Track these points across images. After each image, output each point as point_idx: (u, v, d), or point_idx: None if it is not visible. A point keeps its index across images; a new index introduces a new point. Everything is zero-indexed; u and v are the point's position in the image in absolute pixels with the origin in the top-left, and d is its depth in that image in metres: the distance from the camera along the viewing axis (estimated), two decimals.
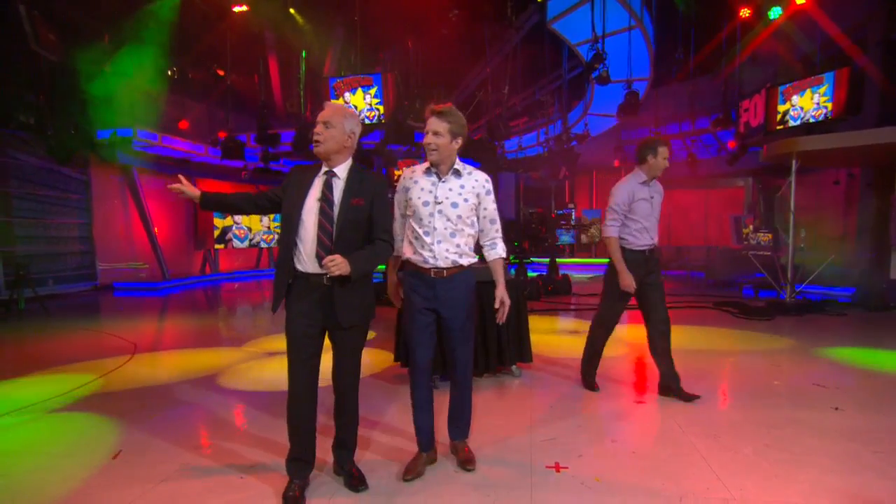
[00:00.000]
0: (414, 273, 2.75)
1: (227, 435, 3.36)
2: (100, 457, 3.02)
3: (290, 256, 2.46)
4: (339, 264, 2.30)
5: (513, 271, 9.96)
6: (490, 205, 2.80)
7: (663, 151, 3.81)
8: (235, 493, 2.60)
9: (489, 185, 2.80)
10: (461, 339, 2.78)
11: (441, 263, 2.67)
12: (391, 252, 2.63)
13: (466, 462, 2.83)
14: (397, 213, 2.87)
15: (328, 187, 2.45)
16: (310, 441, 2.56)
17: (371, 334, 6.41)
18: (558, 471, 2.79)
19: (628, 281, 3.78)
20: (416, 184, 2.73)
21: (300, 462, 2.54)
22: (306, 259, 2.43)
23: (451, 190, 2.70)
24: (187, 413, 3.80)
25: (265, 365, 5.12)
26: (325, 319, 2.48)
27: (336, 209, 2.42)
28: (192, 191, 2.53)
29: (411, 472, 2.75)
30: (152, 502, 2.52)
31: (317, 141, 2.45)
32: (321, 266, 2.35)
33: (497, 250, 2.84)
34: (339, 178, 2.48)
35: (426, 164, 2.73)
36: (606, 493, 2.56)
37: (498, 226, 2.85)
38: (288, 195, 2.50)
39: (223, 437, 3.32)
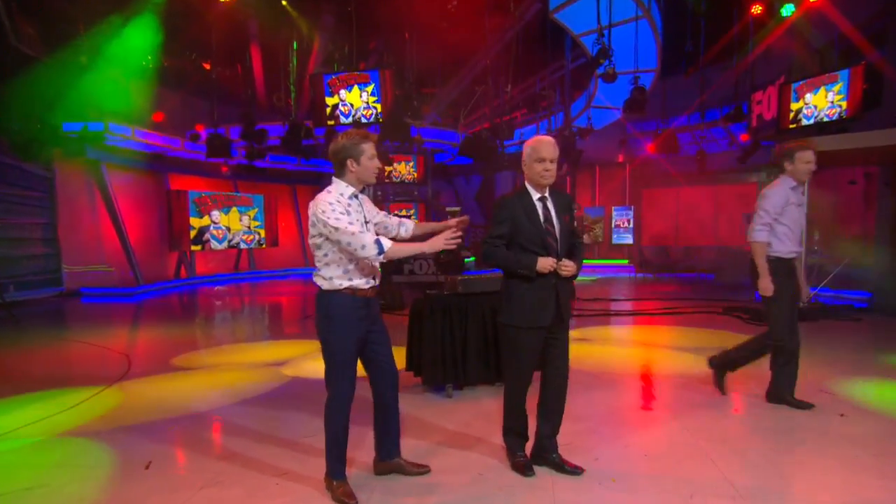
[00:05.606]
0: None
1: (253, 444, 3.78)
2: (132, 467, 3.44)
3: None
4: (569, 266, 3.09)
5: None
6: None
7: (803, 156, 4.11)
8: (277, 497, 3.04)
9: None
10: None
11: None
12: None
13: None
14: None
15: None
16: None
17: None
18: None
19: (767, 284, 4.21)
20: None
21: (521, 437, 3.37)
22: None
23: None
24: (207, 424, 4.22)
25: (267, 373, 5.53)
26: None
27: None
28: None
29: None
30: None
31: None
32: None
33: (407, 225, 3.43)
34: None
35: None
36: (623, 492, 3.05)
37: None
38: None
39: (249, 445, 3.75)
